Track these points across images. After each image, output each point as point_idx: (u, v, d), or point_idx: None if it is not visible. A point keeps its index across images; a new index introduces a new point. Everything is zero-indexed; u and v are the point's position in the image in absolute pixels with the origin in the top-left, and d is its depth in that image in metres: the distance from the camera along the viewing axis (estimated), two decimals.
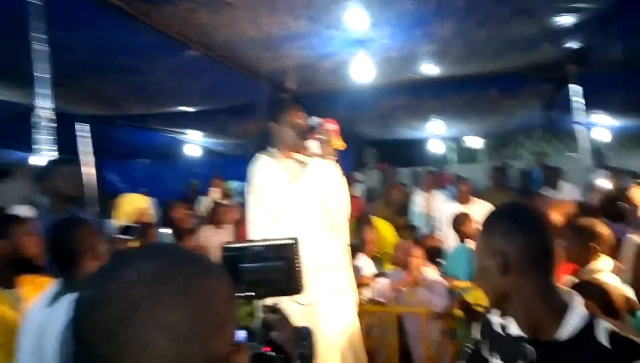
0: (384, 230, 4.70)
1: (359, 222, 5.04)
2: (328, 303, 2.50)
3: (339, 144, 2.49)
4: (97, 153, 9.90)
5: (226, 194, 6.46)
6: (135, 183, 11.59)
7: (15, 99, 5.09)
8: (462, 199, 4.96)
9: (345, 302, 2.58)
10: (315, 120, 2.57)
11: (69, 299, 1.65)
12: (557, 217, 3.46)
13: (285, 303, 2.41)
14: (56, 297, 1.66)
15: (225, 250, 1.13)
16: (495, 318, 1.26)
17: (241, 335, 1.00)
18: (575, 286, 2.14)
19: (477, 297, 2.89)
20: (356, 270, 3.91)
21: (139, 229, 2.72)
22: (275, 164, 2.54)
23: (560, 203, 3.74)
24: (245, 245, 1.14)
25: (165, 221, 4.49)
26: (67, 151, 8.68)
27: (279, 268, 1.09)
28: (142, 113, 7.19)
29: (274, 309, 1.09)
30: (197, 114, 7.35)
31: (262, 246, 1.13)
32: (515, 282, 1.16)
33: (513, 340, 1.18)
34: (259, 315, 1.08)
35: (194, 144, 10.88)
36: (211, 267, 0.68)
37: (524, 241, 1.16)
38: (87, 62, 4.57)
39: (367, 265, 3.96)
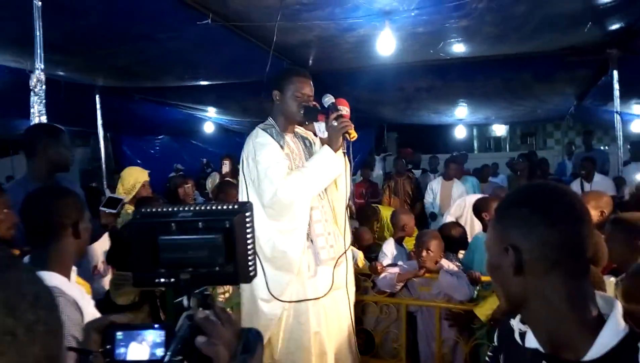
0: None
1: (368, 210, 4.82)
2: (326, 300, 2.31)
3: (353, 134, 2.19)
4: (114, 126, 9.89)
5: (235, 172, 6.26)
6: (152, 158, 11.63)
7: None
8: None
9: (342, 298, 2.40)
10: (328, 99, 2.28)
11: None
12: (592, 212, 3.15)
13: (260, 300, 2.18)
14: None
15: (141, 216, 0.80)
16: (517, 324, 1.01)
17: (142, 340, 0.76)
18: None
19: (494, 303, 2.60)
20: (382, 255, 3.71)
21: (123, 202, 2.53)
22: (275, 143, 2.27)
23: (596, 196, 3.37)
24: (168, 209, 0.80)
25: (170, 197, 4.32)
26: (82, 123, 8.66)
27: (213, 244, 0.74)
28: (159, 86, 7.01)
29: (205, 303, 0.76)
30: (214, 90, 7.14)
31: (191, 211, 0.79)
32: (534, 285, 0.91)
33: (530, 355, 0.94)
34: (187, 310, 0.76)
35: (211, 121, 10.73)
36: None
37: (545, 235, 0.89)
38: (100, 29, 4.37)
39: (392, 251, 3.74)
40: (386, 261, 3.48)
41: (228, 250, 0.75)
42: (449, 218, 4.72)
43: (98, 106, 6.95)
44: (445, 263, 3.06)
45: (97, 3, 3.78)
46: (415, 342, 3.20)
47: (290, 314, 2.26)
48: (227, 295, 2.76)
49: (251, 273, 0.78)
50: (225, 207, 0.79)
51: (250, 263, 0.78)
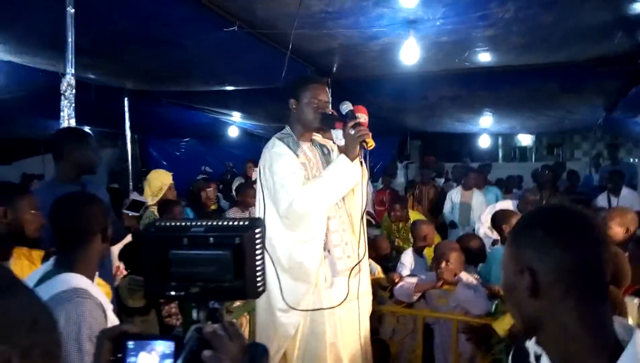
0: None
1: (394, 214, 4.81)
2: (341, 310, 2.29)
3: (370, 143, 2.14)
4: (142, 129, 10.10)
5: None
6: (177, 160, 11.82)
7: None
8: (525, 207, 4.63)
9: (358, 308, 2.37)
10: (346, 106, 2.23)
11: (57, 280, 1.50)
12: (617, 229, 3.06)
13: (278, 310, 2.18)
14: (46, 276, 1.51)
15: (153, 229, 0.82)
16: (532, 346, 0.99)
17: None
18: None
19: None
20: (400, 265, 3.69)
21: (146, 204, 2.59)
22: (291, 153, 2.24)
23: (621, 212, 3.26)
24: (179, 223, 0.83)
25: (192, 200, 4.38)
26: (111, 124, 8.87)
27: (222, 260, 0.76)
28: (185, 91, 7.14)
29: (214, 316, 0.78)
30: (239, 95, 7.23)
31: (203, 226, 0.81)
32: (549, 309, 0.90)
33: None
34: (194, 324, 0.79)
35: (235, 125, 10.86)
36: None
37: (561, 257, 0.88)
38: (129, 34, 4.49)
39: (411, 261, 3.71)
40: (404, 271, 3.46)
41: (237, 266, 0.77)
42: (482, 227, 4.69)
43: (126, 108, 7.11)
44: (464, 275, 3.02)
45: (126, 9, 3.89)
46: (431, 354, 3.17)
47: (306, 325, 2.24)
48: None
49: (259, 289, 0.80)
50: (236, 223, 0.80)
51: (259, 279, 0.80)
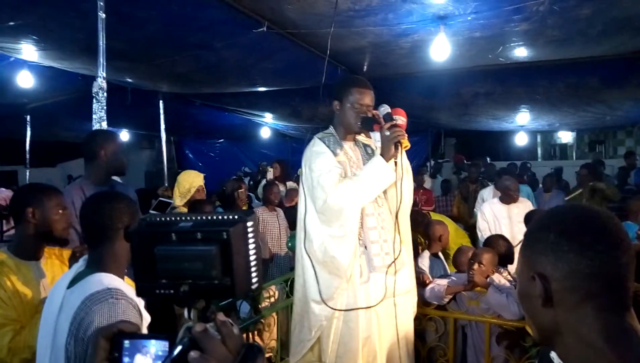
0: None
1: (418, 216, 4.72)
2: (379, 306, 2.30)
3: (405, 144, 2.21)
4: (177, 131, 10.32)
5: (285, 177, 6.37)
6: (212, 161, 12.02)
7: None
8: (507, 198, 4.54)
9: (401, 305, 2.37)
10: (384, 109, 2.30)
11: (89, 280, 1.53)
12: None
13: (312, 301, 2.24)
14: (79, 277, 1.54)
15: (142, 225, 0.79)
16: (557, 356, 0.91)
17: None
18: None
19: None
20: (419, 268, 3.61)
21: (172, 205, 2.62)
22: (330, 152, 2.33)
23: None
24: (167, 218, 0.78)
25: (223, 200, 4.43)
26: (147, 127, 9.06)
27: (209, 255, 0.71)
28: (217, 92, 7.24)
29: (205, 315, 0.74)
30: (269, 96, 7.27)
31: (191, 220, 0.76)
32: (565, 318, 0.82)
33: None
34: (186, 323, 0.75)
35: (268, 126, 10.95)
36: None
37: (574, 263, 0.80)
38: (161, 38, 4.59)
39: (428, 265, 3.62)
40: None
41: (224, 262, 0.72)
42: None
43: (161, 111, 7.27)
44: (496, 278, 2.93)
45: (157, 14, 3.97)
46: (464, 357, 3.10)
47: (340, 318, 2.29)
48: (272, 300, 2.79)
49: (253, 286, 0.76)
50: (225, 217, 0.76)
51: (252, 275, 0.75)
